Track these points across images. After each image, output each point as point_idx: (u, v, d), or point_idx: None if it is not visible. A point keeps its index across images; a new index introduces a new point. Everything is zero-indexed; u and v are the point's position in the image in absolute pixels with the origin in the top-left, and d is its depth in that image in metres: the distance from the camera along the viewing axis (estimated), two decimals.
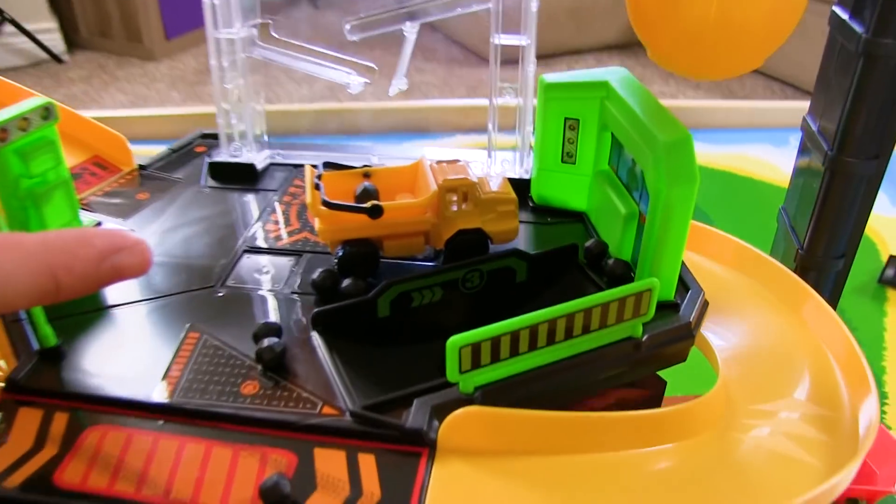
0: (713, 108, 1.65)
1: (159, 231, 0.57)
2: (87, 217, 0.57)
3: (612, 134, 0.53)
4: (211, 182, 0.64)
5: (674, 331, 0.46)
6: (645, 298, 0.44)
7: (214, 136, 0.71)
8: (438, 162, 0.52)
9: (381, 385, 0.43)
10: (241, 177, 0.64)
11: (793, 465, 0.43)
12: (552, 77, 0.54)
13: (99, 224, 0.57)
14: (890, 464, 0.60)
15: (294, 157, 0.67)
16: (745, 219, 1.09)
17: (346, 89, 0.58)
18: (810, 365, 0.50)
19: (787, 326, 0.54)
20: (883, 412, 0.72)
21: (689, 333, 0.47)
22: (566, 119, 0.54)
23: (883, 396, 0.74)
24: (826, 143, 0.55)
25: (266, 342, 0.44)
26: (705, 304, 0.49)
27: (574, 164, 0.55)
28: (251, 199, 0.61)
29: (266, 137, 0.67)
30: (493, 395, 0.42)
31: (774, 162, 1.34)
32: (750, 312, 0.56)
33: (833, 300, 0.61)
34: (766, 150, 1.40)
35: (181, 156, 0.68)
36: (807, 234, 0.57)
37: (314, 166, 0.52)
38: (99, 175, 0.64)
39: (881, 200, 1.10)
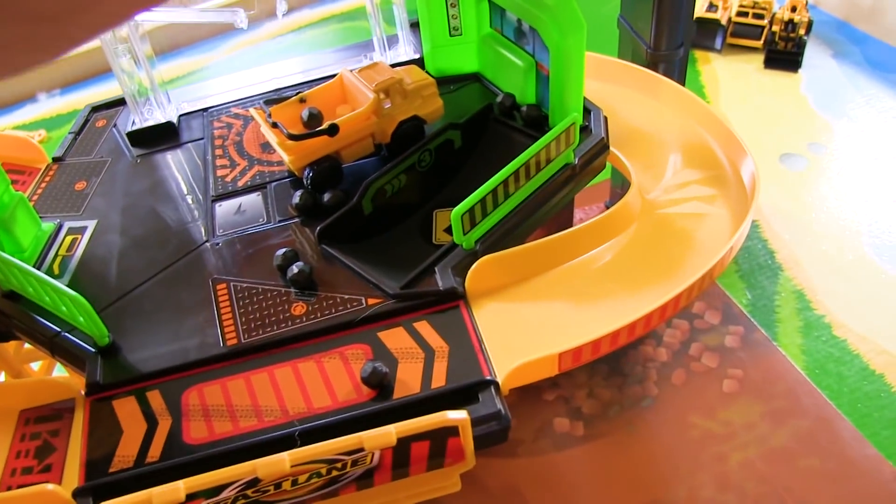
0: None
1: (122, 212, 0.61)
2: (45, 223, 0.60)
3: (488, 2, 0.61)
4: (137, 151, 0.67)
5: (594, 148, 0.58)
6: (571, 131, 0.55)
7: (106, 106, 0.72)
8: (359, 70, 0.59)
9: (401, 267, 0.52)
10: (163, 137, 0.67)
11: (706, 218, 0.57)
12: None
13: (60, 225, 0.60)
14: None
15: (197, 101, 0.71)
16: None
17: (235, 26, 0.62)
18: (687, 139, 0.64)
19: (659, 114, 0.67)
20: None
21: (604, 146, 0.58)
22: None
23: None
24: None
25: (294, 268, 0.51)
26: (606, 119, 0.60)
27: (461, 34, 0.64)
28: (186, 155, 0.65)
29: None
30: (489, 243, 0.52)
31: None
32: (627, 112, 0.68)
33: (681, 82, 0.74)
34: None
35: (87, 136, 0.70)
36: (651, 34, 0.69)
37: (260, 107, 0.58)
38: (21, 181, 0.65)
39: None
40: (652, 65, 0.71)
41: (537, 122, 0.59)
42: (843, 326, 0.74)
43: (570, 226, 0.71)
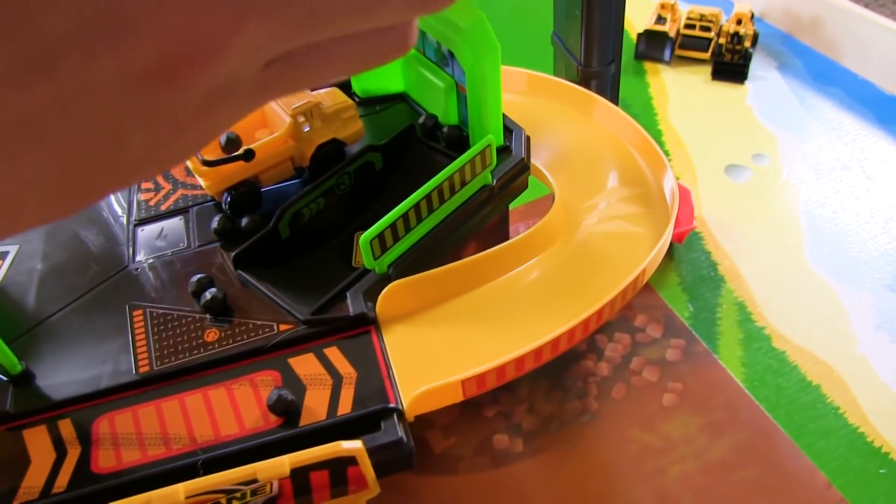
0: None
1: (45, 237, 0.61)
2: None
3: None
4: None
5: (513, 169, 0.58)
6: (487, 152, 0.55)
7: None
8: None
9: (315, 292, 0.52)
10: None
11: (628, 237, 0.57)
12: None
13: None
14: (686, 206, 0.77)
15: None
16: (520, 41, 1.19)
17: None
18: (616, 156, 0.64)
19: (589, 130, 0.67)
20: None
21: (525, 167, 0.59)
22: None
23: (666, 154, 0.91)
24: None
25: (208, 294, 0.51)
26: (528, 139, 0.61)
27: None
28: None
29: None
30: (401, 267, 0.52)
31: None
32: (557, 129, 0.68)
33: (614, 98, 0.75)
34: None
35: None
36: (581, 51, 0.70)
37: None
38: None
39: None
40: (584, 81, 0.72)
41: (458, 142, 0.59)
42: (782, 338, 0.74)
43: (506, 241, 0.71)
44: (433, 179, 0.52)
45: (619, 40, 0.71)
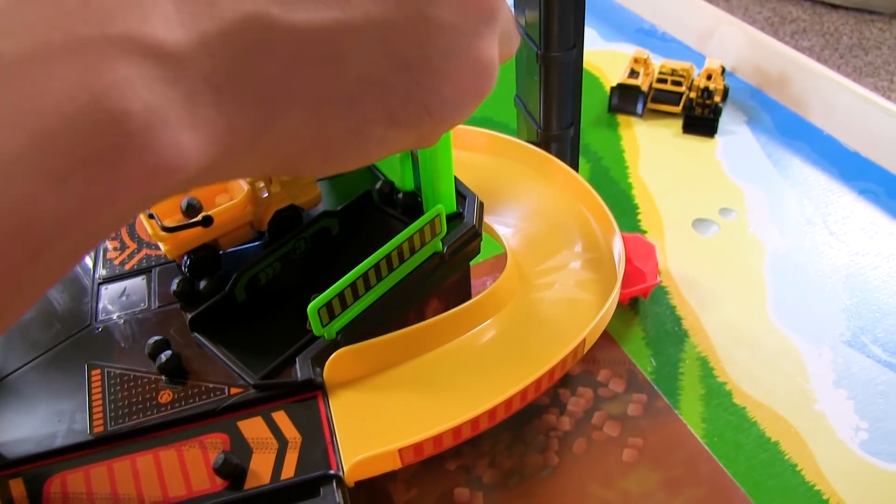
0: None
1: None
2: None
3: None
4: None
5: (463, 236, 0.60)
6: (437, 221, 0.57)
7: None
8: None
9: (267, 356, 0.54)
10: None
11: (577, 304, 0.59)
12: None
13: None
14: (650, 262, 0.79)
15: None
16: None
17: None
18: (572, 220, 0.66)
19: (545, 192, 0.69)
20: (638, 220, 0.91)
21: (475, 234, 0.61)
22: None
23: (635, 208, 0.93)
24: (534, 43, 0.69)
25: (163, 356, 0.53)
26: (482, 205, 0.62)
27: None
28: None
29: None
30: (351, 332, 0.54)
31: None
32: (516, 190, 0.70)
33: (574, 161, 0.77)
34: None
35: None
36: (540, 115, 0.72)
37: None
38: None
39: (592, 36, 1.27)
40: (544, 143, 0.74)
41: (413, 209, 0.61)
42: (743, 394, 0.75)
43: (469, 298, 0.72)
44: (381, 249, 0.53)
45: (577, 104, 0.73)
